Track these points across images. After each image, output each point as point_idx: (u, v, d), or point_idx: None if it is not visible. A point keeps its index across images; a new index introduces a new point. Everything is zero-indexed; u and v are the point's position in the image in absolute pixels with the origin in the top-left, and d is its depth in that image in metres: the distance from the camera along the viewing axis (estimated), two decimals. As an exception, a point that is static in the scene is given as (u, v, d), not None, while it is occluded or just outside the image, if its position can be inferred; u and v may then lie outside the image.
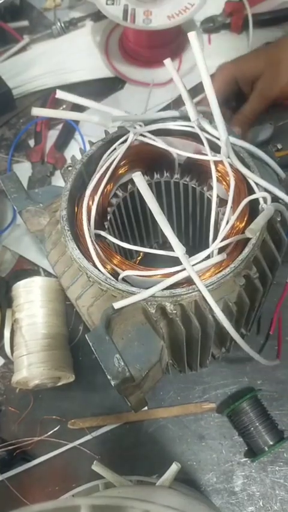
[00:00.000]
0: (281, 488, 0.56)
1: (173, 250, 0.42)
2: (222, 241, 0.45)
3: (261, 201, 0.47)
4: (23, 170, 0.83)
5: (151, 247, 0.71)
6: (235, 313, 0.44)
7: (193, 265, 0.43)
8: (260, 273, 0.44)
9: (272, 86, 0.66)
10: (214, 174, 0.49)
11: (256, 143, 0.51)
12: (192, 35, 0.41)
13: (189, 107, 0.50)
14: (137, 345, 0.40)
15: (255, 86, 0.67)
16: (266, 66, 0.66)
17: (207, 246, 0.46)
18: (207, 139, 0.51)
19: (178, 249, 0.42)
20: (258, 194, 0.47)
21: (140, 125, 0.53)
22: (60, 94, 0.49)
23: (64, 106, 0.90)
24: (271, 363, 0.48)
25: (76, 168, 0.52)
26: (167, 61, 0.47)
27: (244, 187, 0.48)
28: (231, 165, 0.49)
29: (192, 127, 0.51)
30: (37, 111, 0.49)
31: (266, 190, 0.47)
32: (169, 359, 0.55)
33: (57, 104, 0.89)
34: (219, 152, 0.50)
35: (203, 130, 0.51)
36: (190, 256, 0.44)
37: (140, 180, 0.37)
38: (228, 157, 0.49)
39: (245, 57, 0.72)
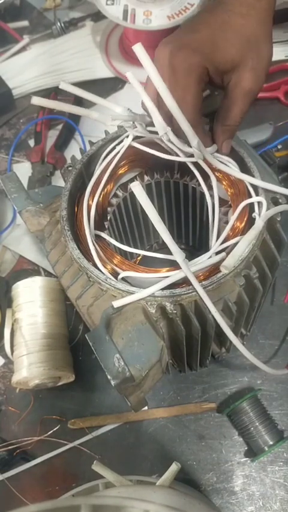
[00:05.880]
0: (280, 488, 0.56)
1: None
2: (222, 243, 0.45)
3: (256, 208, 0.46)
4: (23, 170, 0.83)
5: (151, 247, 0.71)
6: (235, 313, 0.44)
7: (194, 271, 0.43)
8: (260, 273, 0.44)
9: (259, 79, 0.48)
10: (212, 175, 0.49)
11: (256, 143, 0.51)
12: (137, 47, 0.38)
13: (156, 121, 0.45)
14: (137, 345, 0.40)
15: (235, 82, 0.48)
16: (245, 52, 0.47)
17: (207, 245, 0.46)
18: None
19: (178, 256, 0.42)
20: (254, 199, 0.47)
21: (141, 125, 0.53)
22: (63, 85, 0.48)
23: (64, 106, 0.90)
24: (264, 366, 0.47)
25: (76, 168, 0.52)
26: (129, 74, 0.44)
27: (243, 187, 0.48)
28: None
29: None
30: (37, 100, 0.49)
31: (264, 189, 0.47)
32: (169, 359, 0.55)
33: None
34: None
35: (171, 142, 0.47)
36: (190, 257, 0.44)
37: (139, 191, 0.37)
38: (204, 159, 0.48)
39: (215, 43, 0.47)
